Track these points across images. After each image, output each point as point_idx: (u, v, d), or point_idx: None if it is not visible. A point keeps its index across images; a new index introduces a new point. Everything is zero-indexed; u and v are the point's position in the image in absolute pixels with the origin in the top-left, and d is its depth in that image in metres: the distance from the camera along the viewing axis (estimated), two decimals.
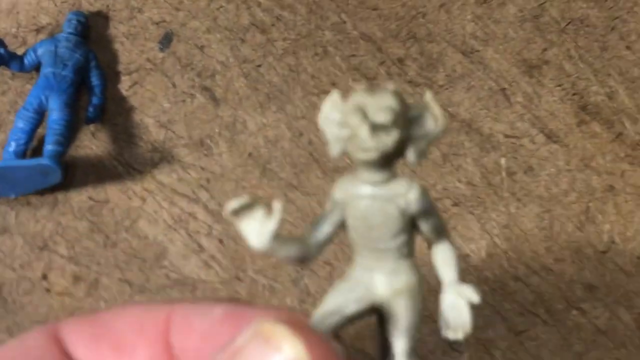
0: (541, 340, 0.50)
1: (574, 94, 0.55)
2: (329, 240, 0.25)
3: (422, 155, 0.24)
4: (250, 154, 0.53)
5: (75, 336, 0.28)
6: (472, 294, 0.24)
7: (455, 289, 0.24)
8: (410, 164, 0.24)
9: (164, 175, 0.53)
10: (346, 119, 0.23)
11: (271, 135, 0.54)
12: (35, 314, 0.49)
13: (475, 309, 0.24)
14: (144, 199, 0.53)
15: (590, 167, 0.53)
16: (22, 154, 0.50)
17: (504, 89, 0.55)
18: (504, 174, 0.53)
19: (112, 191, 0.53)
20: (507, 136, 0.54)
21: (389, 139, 0.23)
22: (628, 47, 0.56)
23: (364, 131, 0.23)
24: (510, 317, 0.50)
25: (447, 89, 0.54)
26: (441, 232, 0.25)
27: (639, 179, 0.53)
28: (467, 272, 0.48)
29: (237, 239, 0.50)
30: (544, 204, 0.52)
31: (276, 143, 0.53)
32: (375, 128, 0.23)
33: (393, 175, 0.24)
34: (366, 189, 0.24)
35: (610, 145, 0.54)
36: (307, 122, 0.53)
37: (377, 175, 0.24)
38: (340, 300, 0.24)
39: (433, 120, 0.23)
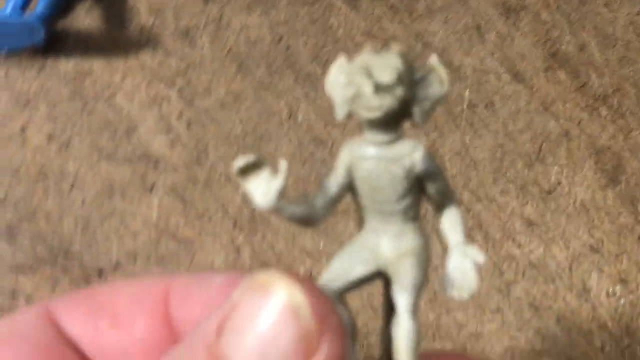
0: None
1: (546, 41, 0.57)
2: (336, 201, 0.25)
3: (426, 116, 0.24)
4: (229, 50, 0.55)
5: (70, 313, 0.27)
6: (477, 254, 0.24)
7: (461, 249, 0.24)
8: (416, 124, 0.24)
9: (147, 58, 0.56)
10: (351, 78, 0.23)
11: (252, 36, 0.56)
12: (8, 161, 0.53)
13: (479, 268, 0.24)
14: (125, 76, 0.55)
15: (550, 112, 0.55)
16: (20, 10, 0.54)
17: (479, 26, 0.56)
18: (465, 105, 0.55)
19: (97, 64, 0.56)
20: (475, 70, 0.56)
21: (393, 98, 0.23)
22: (606, 5, 0.58)
23: (367, 89, 0.22)
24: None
25: (425, 18, 0.56)
26: (448, 196, 0.25)
27: (595, 129, 0.55)
28: None
29: (205, 124, 0.53)
30: (499, 138, 0.54)
31: (256, 44, 0.56)
32: (379, 87, 0.22)
33: (398, 137, 0.24)
34: (371, 150, 0.24)
35: (573, 94, 0.56)
36: (288, 28, 0.56)
37: (382, 136, 0.24)
38: (346, 263, 0.24)
39: (438, 82, 0.23)
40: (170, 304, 0.28)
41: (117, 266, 0.51)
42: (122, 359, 0.27)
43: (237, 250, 0.52)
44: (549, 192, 0.53)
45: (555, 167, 0.53)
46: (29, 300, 0.50)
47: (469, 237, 0.52)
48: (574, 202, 0.53)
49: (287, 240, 0.52)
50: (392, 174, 0.24)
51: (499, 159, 0.53)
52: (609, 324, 0.50)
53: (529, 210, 0.53)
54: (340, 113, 0.24)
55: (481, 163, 0.53)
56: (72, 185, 0.52)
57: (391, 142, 0.24)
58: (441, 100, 0.24)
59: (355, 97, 0.23)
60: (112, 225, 0.52)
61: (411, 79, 0.23)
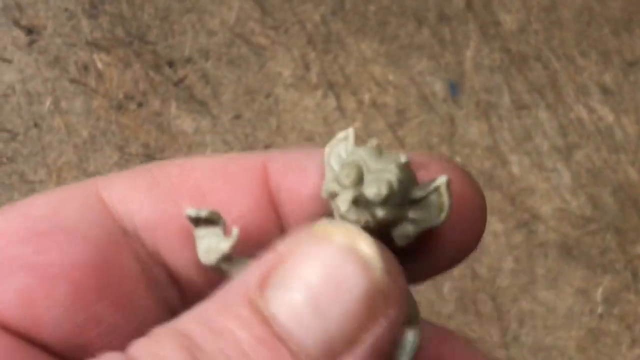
0: (539, 121, 0.49)
1: None
2: None
3: (406, 239, 0.19)
4: None
5: (132, 196, 0.20)
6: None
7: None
8: (395, 245, 0.19)
9: None
10: (339, 172, 0.18)
11: None
12: None
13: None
14: None
15: None
16: None
17: None
18: None
19: None
20: None
21: (371, 217, 0.18)
22: None
23: (346, 198, 0.18)
24: (518, 92, 0.49)
25: None
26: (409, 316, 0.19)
27: None
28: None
29: None
30: (589, 0, 0.50)
31: None
32: (360, 200, 0.18)
33: None
34: None
35: None
36: None
37: None
38: None
39: (437, 209, 0.19)
40: (272, 178, 0.21)
41: (188, 60, 0.49)
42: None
43: (307, 67, 0.49)
44: (631, 65, 0.49)
45: None
46: (99, 76, 0.48)
47: (540, 94, 0.48)
48: None
49: (358, 65, 0.49)
50: None
51: (586, 22, 0.49)
52: None
53: (606, 77, 0.48)
54: (324, 191, 0.19)
55: (566, 22, 0.49)
56: None
57: None
58: (433, 228, 0.19)
59: (334, 196, 0.18)
60: (190, 20, 0.49)
61: (406, 197, 0.18)
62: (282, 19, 0.48)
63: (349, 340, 0.16)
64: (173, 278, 0.21)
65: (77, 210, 0.20)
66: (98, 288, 0.19)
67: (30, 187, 0.46)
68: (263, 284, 0.16)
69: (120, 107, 0.47)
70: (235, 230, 0.19)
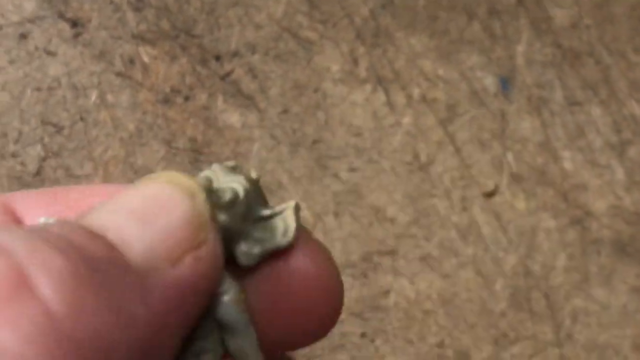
0: (592, 117, 0.49)
1: None
2: None
3: (249, 258, 0.18)
4: None
5: (30, 206, 0.20)
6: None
7: None
8: (238, 264, 0.18)
9: None
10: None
11: None
12: None
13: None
14: None
15: None
16: None
17: None
18: None
19: None
20: None
21: (217, 221, 0.18)
22: None
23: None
24: (570, 87, 0.48)
25: None
26: None
27: None
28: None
29: None
30: None
31: None
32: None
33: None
34: None
35: None
36: None
37: None
38: None
39: (282, 231, 0.19)
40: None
41: (235, 54, 0.48)
42: None
43: (355, 61, 0.48)
44: None
45: None
46: (145, 69, 0.47)
47: (593, 90, 0.47)
48: None
49: (407, 60, 0.48)
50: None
51: (638, 17, 0.48)
52: None
53: None
54: None
55: (619, 18, 0.48)
56: None
57: None
58: (276, 251, 0.18)
59: None
60: (237, 13, 0.48)
61: (250, 212, 0.18)
62: (331, 13, 0.47)
63: (172, 257, 0.16)
64: None
65: None
66: None
67: (76, 182, 0.45)
68: (90, 210, 0.17)
69: (166, 101, 0.46)
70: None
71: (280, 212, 0.19)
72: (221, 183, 0.18)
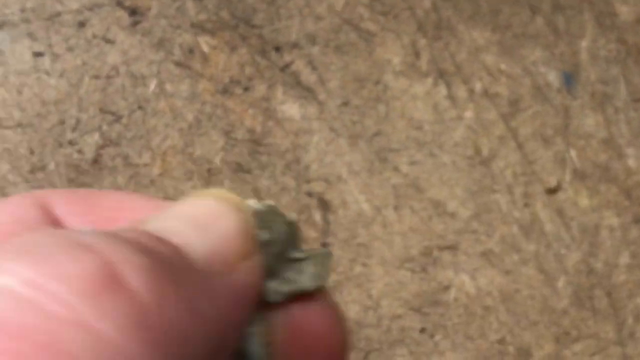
0: None
1: None
2: None
3: (278, 296, 0.19)
4: None
5: (67, 207, 0.21)
6: None
7: None
8: (266, 299, 0.19)
9: None
10: None
11: None
12: None
13: None
14: None
15: None
16: None
17: None
18: None
19: None
20: None
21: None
22: None
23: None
24: (635, 84, 0.48)
25: None
26: None
27: None
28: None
29: None
30: None
31: None
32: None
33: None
34: None
35: None
36: None
37: None
38: None
39: (312, 275, 0.19)
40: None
41: (295, 45, 0.47)
42: None
43: (417, 54, 0.48)
44: None
45: None
46: (205, 59, 0.47)
47: None
48: None
49: (469, 53, 0.48)
50: None
51: None
52: None
53: None
54: None
55: None
56: None
57: None
58: (302, 292, 0.19)
59: None
60: (297, 4, 0.48)
61: (283, 253, 0.19)
62: (392, 5, 0.47)
63: (229, 263, 0.17)
64: None
65: (24, 205, 0.20)
66: None
67: (134, 170, 0.45)
68: (145, 219, 0.17)
69: (225, 91, 0.46)
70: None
71: (313, 257, 0.19)
72: (260, 220, 0.19)
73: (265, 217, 0.19)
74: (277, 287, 0.19)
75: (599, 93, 0.45)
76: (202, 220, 0.17)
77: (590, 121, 0.45)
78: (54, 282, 0.14)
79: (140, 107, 0.45)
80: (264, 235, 0.18)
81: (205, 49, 0.46)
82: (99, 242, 0.15)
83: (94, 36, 0.46)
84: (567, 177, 0.45)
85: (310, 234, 0.45)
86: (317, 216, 0.45)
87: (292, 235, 0.19)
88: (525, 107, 0.46)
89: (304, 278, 0.19)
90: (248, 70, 0.46)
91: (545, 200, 0.45)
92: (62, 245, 0.15)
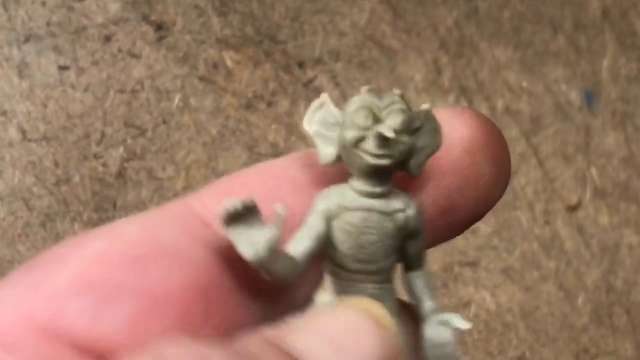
0: None
1: None
2: (313, 256, 0.19)
3: (420, 168, 0.20)
4: None
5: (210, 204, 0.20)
6: (457, 321, 0.20)
7: (436, 318, 0.20)
8: (410, 176, 0.20)
9: None
10: (353, 119, 0.19)
11: None
12: None
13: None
14: None
15: None
16: None
17: None
18: None
19: None
20: None
21: (403, 145, 0.19)
22: None
23: (377, 135, 0.18)
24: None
25: None
26: (421, 257, 0.20)
27: None
28: None
29: None
30: None
31: None
32: (389, 133, 0.18)
33: (391, 189, 0.20)
34: (362, 201, 0.19)
35: None
36: None
37: (376, 187, 0.19)
38: None
39: (433, 133, 0.20)
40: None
41: (318, 61, 0.48)
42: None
43: (439, 71, 0.48)
44: None
45: None
46: (229, 74, 0.47)
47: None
48: None
49: (491, 71, 0.48)
50: (384, 229, 0.19)
51: None
52: None
53: None
54: (326, 156, 0.19)
55: None
56: None
57: (384, 194, 0.19)
58: (434, 152, 0.20)
59: (359, 142, 0.19)
60: (321, 20, 0.48)
61: (410, 127, 0.19)
62: (414, 22, 0.47)
63: None
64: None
65: (175, 230, 0.19)
66: (203, 312, 0.18)
67: (158, 184, 0.45)
68: (285, 328, 0.17)
69: (249, 106, 0.46)
70: (280, 209, 0.18)
71: (426, 118, 0.20)
72: (382, 108, 0.19)
73: (383, 103, 0.19)
74: (417, 161, 0.20)
75: (620, 111, 0.46)
76: (340, 341, 0.17)
77: (610, 139, 0.45)
78: None
79: (164, 121, 0.46)
80: (401, 118, 0.19)
81: (230, 64, 0.46)
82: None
83: (120, 50, 0.46)
84: (588, 194, 0.45)
85: None
86: None
87: (410, 109, 0.20)
88: (547, 124, 0.46)
89: (429, 140, 0.20)
90: (271, 85, 0.46)
91: (565, 217, 0.45)
92: None
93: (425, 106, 0.20)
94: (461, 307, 0.44)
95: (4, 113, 0.45)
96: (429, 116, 0.20)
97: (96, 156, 0.45)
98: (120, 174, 0.45)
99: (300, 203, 0.20)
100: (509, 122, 0.46)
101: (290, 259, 0.19)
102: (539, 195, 0.45)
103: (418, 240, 0.20)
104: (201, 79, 0.46)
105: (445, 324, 0.20)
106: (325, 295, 0.20)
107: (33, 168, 0.45)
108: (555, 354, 0.44)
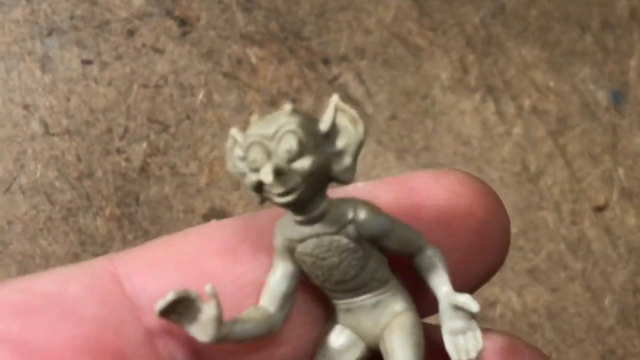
0: None
1: None
2: (289, 295, 0.19)
3: (351, 171, 0.18)
4: None
5: (132, 267, 0.19)
6: (470, 304, 0.19)
7: (452, 302, 0.19)
8: (341, 184, 0.18)
9: None
10: (247, 161, 0.18)
11: None
12: None
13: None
14: None
15: None
16: None
17: None
18: None
19: None
20: None
21: (304, 170, 0.17)
22: None
23: (268, 174, 0.17)
24: None
25: None
26: (414, 242, 0.19)
27: None
28: None
29: None
30: None
31: None
32: (282, 168, 0.17)
33: (326, 205, 0.18)
34: (305, 230, 0.18)
35: None
36: None
37: (307, 214, 0.18)
38: (332, 355, 0.19)
39: (350, 126, 0.18)
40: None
41: (343, 59, 0.47)
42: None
43: (465, 70, 0.47)
44: None
45: None
46: (253, 71, 0.47)
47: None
48: None
49: (518, 70, 0.48)
50: (341, 248, 0.18)
51: None
52: None
53: None
54: (255, 197, 0.18)
55: None
56: None
57: (321, 215, 0.18)
58: (361, 144, 0.18)
59: (259, 184, 0.17)
60: (346, 17, 0.48)
61: (317, 136, 0.17)
62: (441, 20, 0.47)
63: None
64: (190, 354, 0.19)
65: (85, 287, 0.18)
66: None
67: (181, 180, 0.44)
68: None
69: (273, 103, 0.46)
70: (209, 288, 0.18)
71: (334, 114, 0.18)
72: (271, 137, 0.17)
73: (280, 133, 0.18)
74: (341, 167, 0.18)
75: None
76: None
77: (638, 140, 0.45)
78: None
79: (188, 117, 0.45)
80: (292, 142, 0.17)
81: (254, 60, 0.46)
82: None
83: (143, 45, 0.46)
84: (615, 195, 0.45)
85: None
86: None
87: (305, 119, 0.18)
88: (574, 124, 0.45)
89: (349, 136, 0.18)
90: (296, 82, 0.46)
91: (592, 218, 0.45)
92: None
93: (332, 99, 0.18)
94: (487, 307, 0.44)
95: (27, 107, 0.45)
96: (337, 111, 0.18)
97: (119, 151, 0.45)
98: (143, 169, 0.45)
99: (224, 266, 0.19)
100: (535, 122, 0.45)
101: (256, 317, 0.18)
102: (565, 195, 0.45)
103: (391, 234, 0.19)
104: (225, 75, 0.46)
105: (458, 308, 0.19)
106: (336, 317, 0.20)
107: (55, 162, 0.44)
108: (582, 355, 0.43)
